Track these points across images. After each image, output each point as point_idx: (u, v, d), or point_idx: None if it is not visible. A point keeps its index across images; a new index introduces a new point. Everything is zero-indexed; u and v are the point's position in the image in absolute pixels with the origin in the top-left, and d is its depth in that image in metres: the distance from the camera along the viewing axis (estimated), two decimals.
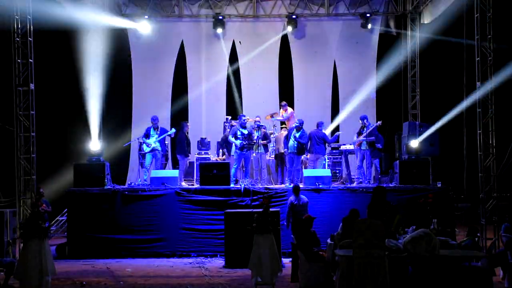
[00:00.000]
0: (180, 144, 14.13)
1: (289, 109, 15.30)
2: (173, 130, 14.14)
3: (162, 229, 12.53)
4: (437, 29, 15.28)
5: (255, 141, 13.44)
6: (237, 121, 13.99)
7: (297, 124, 13.65)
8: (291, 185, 12.19)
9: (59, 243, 12.99)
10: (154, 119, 13.97)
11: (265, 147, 13.87)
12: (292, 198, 11.39)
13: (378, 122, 13.90)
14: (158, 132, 13.86)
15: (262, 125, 13.95)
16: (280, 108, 15.55)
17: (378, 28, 17.04)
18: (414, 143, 13.61)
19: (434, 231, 8.88)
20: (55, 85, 16.97)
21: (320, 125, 14.06)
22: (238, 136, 13.38)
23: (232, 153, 13.88)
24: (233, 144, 13.67)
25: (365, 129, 13.65)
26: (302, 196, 11.43)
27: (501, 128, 12.22)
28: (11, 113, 12.12)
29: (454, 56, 15.00)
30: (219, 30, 16.81)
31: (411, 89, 16.57)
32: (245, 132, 13.41)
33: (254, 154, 13.61)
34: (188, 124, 14.59)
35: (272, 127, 15.30)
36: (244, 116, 14.03)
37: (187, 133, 14.43)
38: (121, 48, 17.23)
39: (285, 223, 11.30)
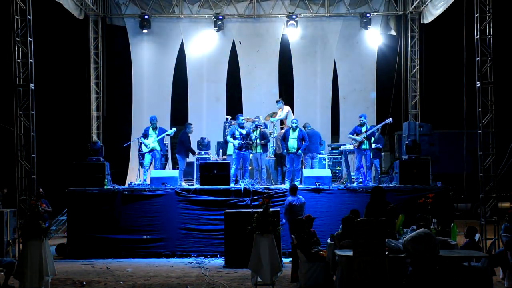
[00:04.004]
0: (182, 145, 14.11)
1: (285, 108, 15.23)
2: (173, 129, 14.13)
3: (162, 229, 12.51)
4: (437, 29, 15.29)
5: (253, 141, 13.44)
6: (236, 121, 14.00)
7: (295, 124, 13.58)
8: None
9: (59, 243, 12.98)
10: (153, 119, 13.95)
11: (264, 147, 13.84)
12: (290, 198, 11.39)
13: (389, 119, 13.76)
14: (157, 132, 13.85)
15: (260, 125, 13.94)
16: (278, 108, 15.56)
17: (378, 28, 17.06)
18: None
19: (434, 231, 8.89)
20: (55, 85, 17.01)
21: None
22: (236, 136, 13.38)
23: (230, 153, 13.87)
24: (230, 144, 13.69)
25: (364, 127, 13.58)
26: (300, 196, 11.43)
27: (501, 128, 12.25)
28: (11, 113, 12.12)
29: (454, 56, 15.01)
30: (219, 30, 16.83)
31: (411, 89, 16.61)
32: (243, 132, 13.41)
33: (252, 154, 13.61)
34: (192, 125, 14.55)
35: (272, 127, 15.29)
36: (242, 116, 14.04)
37: (190, 134, 14.38)
38: (121, 48, 17.26)
39: (284, 221, 11.32)
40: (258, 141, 13.62)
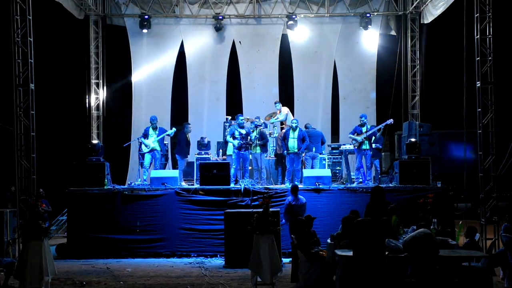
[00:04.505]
0: (179, 144, 14.13)
1: (283, 110, 15.21)
2: (173, 129, 14.14)
3: (162, 229, 12.51)
4: (437, 29, 15.30)
5: (253, 141, 13.45)
6: (235, 121, 14.00)
7: (295, 124, 13.55)
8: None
9: (59, 243, 12.98)
10: (153, 119, 13.96)
11: (263, 147, 13.82)
12: (290, 198, 11.38)
13: (390, 120, 13.78)
14: (157, 132, 13.85)
15: (260, 125, 13.94)
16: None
17: (378, 28, 17.07)
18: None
19: (434, 231, 8.89)
20: (55, 85, 17.00)
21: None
22: (236, 136, 13.39)
23: (230, 153, 13.87)
24: (229, 144, 13.70)
25: (364, 127, 13.57)
26: (300, 197, 11.42)
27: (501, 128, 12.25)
28: (11, 113, 12.13)
29: (454, 56, 15.02)
30: (219, 30, 16.84)
31: (411, 89, 16.61)
32: (243, 132, 13.42)
33: (251, 154, 13.61)
34: (190, 125, 14.58)
35: (273, 127, 15.29)
36: (242, 116, 14.04)
37: (188, 134, 14.38)
38: (121, 48, 17.28)
39: (284, 221, 11.32)
40: (257, 141, 13.61)
